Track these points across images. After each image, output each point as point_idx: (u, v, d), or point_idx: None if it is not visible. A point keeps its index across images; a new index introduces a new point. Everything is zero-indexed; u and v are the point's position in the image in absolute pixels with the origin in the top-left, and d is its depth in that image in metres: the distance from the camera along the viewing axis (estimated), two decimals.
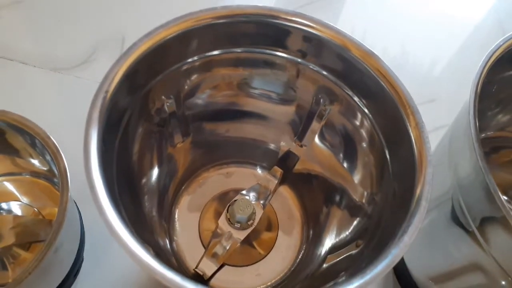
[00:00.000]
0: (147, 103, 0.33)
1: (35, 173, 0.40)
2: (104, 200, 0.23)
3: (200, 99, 0.38)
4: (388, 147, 0.31)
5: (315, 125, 0.38)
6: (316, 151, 0.41)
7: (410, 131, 0.28)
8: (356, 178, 0.38)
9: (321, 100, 0.35)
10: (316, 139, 0.40)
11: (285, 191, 0.44)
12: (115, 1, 0.61)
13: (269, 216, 0.42)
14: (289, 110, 0.40)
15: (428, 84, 0.60)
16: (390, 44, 0.62)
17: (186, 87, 0.36)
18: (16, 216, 0.38)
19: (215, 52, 0.33)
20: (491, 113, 0.39)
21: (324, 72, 0.33)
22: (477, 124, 0.26)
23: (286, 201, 0.43)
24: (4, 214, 0.39)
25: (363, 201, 0.36)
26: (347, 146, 0.38)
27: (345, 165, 0.39)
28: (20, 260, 0.37)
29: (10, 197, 0.40)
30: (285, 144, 0.43)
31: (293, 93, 0.38)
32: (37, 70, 0.55)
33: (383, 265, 0.23)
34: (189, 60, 0.32)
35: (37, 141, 0.34)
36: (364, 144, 0.36)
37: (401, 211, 0.26)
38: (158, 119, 0.35)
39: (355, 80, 0.32)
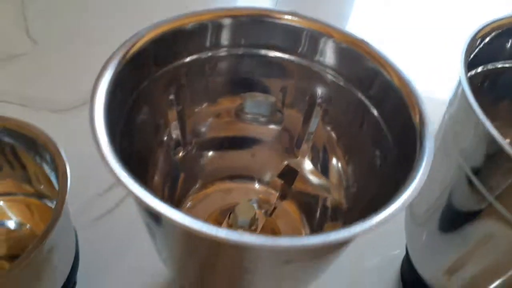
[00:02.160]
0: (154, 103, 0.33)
1: (30, 194, 0.39)
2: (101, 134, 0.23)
3: (204, 127, 0.39)
4: (376, 107, 0.32)
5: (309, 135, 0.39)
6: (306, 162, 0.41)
7: (395, 85, 0.29)
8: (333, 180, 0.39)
9: (318, 93, 0.36)
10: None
11: (289, 207, 0.43)
12: (111, 46, 0.64)
13: (273, 228, 0.41)
14: (282, 129, 0.41)
15: None
16: None
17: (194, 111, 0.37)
18: (9, 230, 0.36)
19: (221, 51, 0.34)
20: None
21: (320, 67, 0.35)
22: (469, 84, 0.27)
23: (290, 217, 0.42)
24: None
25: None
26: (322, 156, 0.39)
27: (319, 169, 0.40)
28: None
29: (4, 217, 0.39)
30: (284, 159, 0.43)
31: (281, 115, 0.40)
32: (36, 112, 0.56)
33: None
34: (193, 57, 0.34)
35: (38, 143, 0.34)
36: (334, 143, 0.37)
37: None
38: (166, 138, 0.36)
39: (348, 68, 0.33)
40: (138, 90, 0.29)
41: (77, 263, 0.38)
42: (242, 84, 0.39)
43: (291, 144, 0.42)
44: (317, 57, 0.34)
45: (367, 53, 0.30)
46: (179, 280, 0.36)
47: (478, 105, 0.27)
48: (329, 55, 0.33)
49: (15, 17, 0.68)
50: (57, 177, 0.32)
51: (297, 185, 0.42)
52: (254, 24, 0.34)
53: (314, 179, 0.41)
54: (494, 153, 0.27)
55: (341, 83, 0.33)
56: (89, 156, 0.32)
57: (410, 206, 0.40)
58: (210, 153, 0.42)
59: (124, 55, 0.27)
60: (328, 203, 0.39)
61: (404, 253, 0.45)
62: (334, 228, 0.37)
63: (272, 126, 0.42)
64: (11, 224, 0.38)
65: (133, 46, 0.28)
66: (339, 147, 0.38)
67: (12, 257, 0.35)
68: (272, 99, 0.40)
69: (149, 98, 0.32)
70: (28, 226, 0.38)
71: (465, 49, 0.31)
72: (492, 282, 0.31)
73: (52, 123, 0.55)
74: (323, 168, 0.40)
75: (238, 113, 0.41)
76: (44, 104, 0.56)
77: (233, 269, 0.27)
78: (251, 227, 0.37)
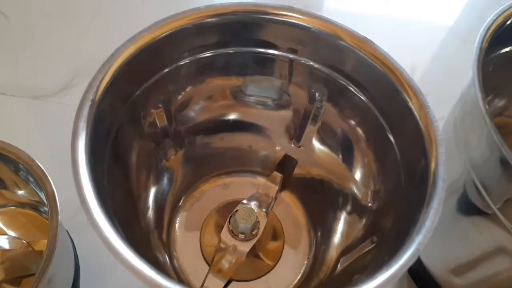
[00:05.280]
0: (137, 115, 0.31)
1: (21, 204, 0.38)
2: (95, 211, 0.21)
3: (193, 112, 0.36)
4: (392, 131, 0.29)
5: (311, 126, 0.36)
6: (315, 153, 0.39)
7: (415, 112, 0.26)
8: (358, 177, 0.36)
9: (316, 95, 0.34)
10: (314, 141, 0.39)
11: (287, 197, 0.42)
12: (91, 27, 0.59)
13: (273, 224, 0.40)
14: (285, 115, 0.39)
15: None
16: None
17: (179, 97, 0.34)
18: (3, 250, 0.35)
19: (207, 54, 0.31)
20: (487, 100, 0.38)
21: (317, 66, 0.32)
22: (485, 98, 0.25)
23: (290, 208, 0.42)
24: None
25: (368, 199, 0.35)
26: (345, 147, 0.37)
27: (345, 165, 0.37)
28: None
29: None
30: (282, 148, 0.41)
31: (288, 97, 0.36)
32: (17, 99, 0.52)
33: (409, 255, 0.21)
34: (180, 63, 0.31)
35: (21, 166, 0.32)
36: (362, 143, 0.35)
37: (416, 198, 0.24)
38: (151, 134, 0.33)
39: (351, 69, 0.31)
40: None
41: (78, 273, 0.38)
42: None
43: (291, 131, 0.40)
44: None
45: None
46: None
47: (490, 117, 0.25)
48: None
49: None
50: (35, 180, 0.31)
51: (298, 170, 0.41)
52: (241, 23, 0.30)
53: (324, 160, 0.39)
54: (503, 168, 0.25)
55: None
56: None
57: None
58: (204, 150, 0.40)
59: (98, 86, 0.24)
60: (347, 194, 0.37)
61: None
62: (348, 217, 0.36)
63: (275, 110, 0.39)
64: (5, 242, 0.37)
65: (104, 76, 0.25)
66: (370, 149, 0.35)
67: (12, 279, 0.34)
68: (277, 82, 0.37)
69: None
70: (24, 241, 0.37)
71: (480, 40, 0.28)
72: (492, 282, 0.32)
73: (33, 111, 0.53)
74: (345, 158, 0.38)
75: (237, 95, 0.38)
76: (24, 91, 0.53)
77: None
78: (252, 231, 0.36)
